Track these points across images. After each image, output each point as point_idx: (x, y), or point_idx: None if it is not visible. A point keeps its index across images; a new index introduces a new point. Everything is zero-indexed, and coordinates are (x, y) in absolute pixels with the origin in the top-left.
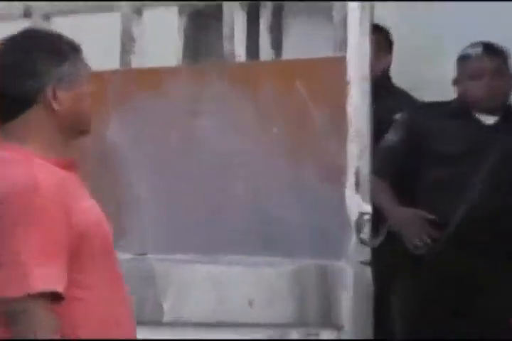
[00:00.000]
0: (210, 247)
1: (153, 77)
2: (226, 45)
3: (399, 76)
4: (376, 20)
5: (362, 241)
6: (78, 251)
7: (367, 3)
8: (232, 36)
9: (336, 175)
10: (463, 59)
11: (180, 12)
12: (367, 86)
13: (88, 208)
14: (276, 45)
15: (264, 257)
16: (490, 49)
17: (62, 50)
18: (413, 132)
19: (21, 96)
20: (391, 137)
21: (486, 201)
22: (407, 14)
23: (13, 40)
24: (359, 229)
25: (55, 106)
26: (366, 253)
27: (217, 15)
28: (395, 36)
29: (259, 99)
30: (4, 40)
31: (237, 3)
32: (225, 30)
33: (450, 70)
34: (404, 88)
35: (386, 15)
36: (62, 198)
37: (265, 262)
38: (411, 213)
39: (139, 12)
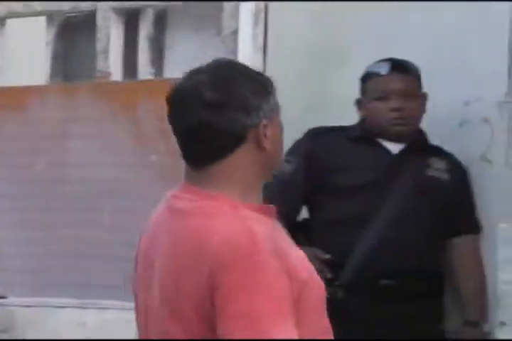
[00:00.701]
0: (80, 291)
1: (17, 97)
2: (100, 61)
3: (299, 92)
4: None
5: None
6: (297, 306)
7: (261, 16)
8: (107, 51)
9: None
10: (368, 78)
11: (49, 23)
12: None
13: (298, 258)
14: (157, 61)
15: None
16: (399, 67)
17: (265, 83)
18: (312, 158)
19: (234, 133)
20: (287, 165)
21: (391, 239)
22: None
23: (214, 73)
24: None
25: (266, 143)
26: None
27: (90, 26)
28: (302, 45)
29: (137, 123)
30: (199, 72)
31: (113, 11)
32: (99, 44)
33: (353, 89)
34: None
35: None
36: (279, 250)
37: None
38: (306, 252)
39: (1, 22)
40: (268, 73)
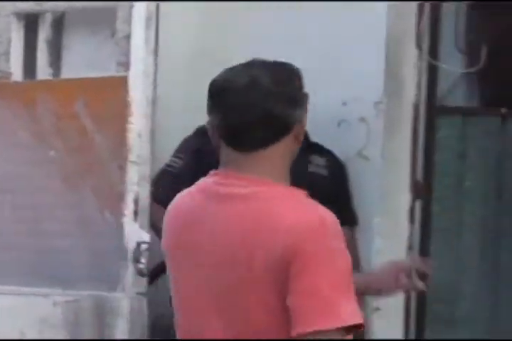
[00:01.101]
0: None
1: None
2: (1, 62)
3: (189, 92)
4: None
5: (139, 272)
6: None
7: (153, 21)
8: (8, 53)
9: (115, 202)
10: None
11: None
12: (150, 109)
13: None
14: (55, 62)
15: (39, 288)
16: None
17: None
18: (200, 155)
19: (287, 124)
20: (176, 161)
21: None
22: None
23: (273, 69)
24: (136, 260)
25: (301, 137)
26: (143, 284)
27: None
28: (191, 46)
29: (36, 121)
30: (252, 67)
31: (12, 14)
32: (1, 47)
33: None
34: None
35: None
36: (340, 230)
37: (39, 293)
38: None
39: None
40: (159, 74)
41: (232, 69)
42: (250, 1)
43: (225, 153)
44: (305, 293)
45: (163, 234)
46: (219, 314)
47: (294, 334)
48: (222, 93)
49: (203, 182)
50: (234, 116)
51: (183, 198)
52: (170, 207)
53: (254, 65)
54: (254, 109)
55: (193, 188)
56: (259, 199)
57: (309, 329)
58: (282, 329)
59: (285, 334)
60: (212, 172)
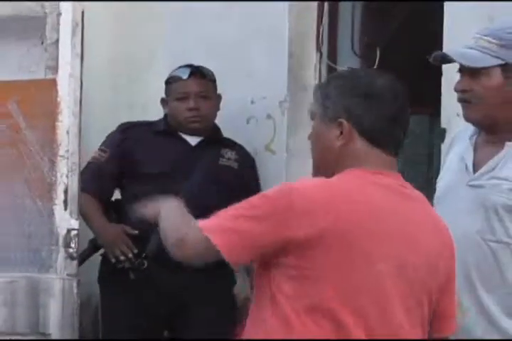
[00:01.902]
0: None
1: None
2: None
3: (112, 92)
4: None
5: (69, 256)
6: None
7: (79, 27)
8: None
9: (46, 192)
10: (171, 81)
11: None
12: (77, 108)
13: None
14: None
15: None
16: (197, 72)
17: None
18: (123, 149)
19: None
20: (101, 154)
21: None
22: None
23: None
24: (67, 244)
25: None
26: (73, 267)
27: None
28: (115, 52)
29: None
30: (381, 75)
31: None
32: None
33: (160, 90)
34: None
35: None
36: None
37: None
38: (116, 229)
39: None
40: (85, 78)
41: (374, 74)
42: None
43: (369, 153)
44: (454, 302)
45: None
46: (405, 311)
47: (442, 335)
48: (391, 96)
49: (380, 179)
50: (401, 121)
51: (368, 190)
52: (351, 197)
53: (376, 74)
54: (408, 113)
55: (372, 183)
56: (422, 202)
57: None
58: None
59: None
60: (375, 170)
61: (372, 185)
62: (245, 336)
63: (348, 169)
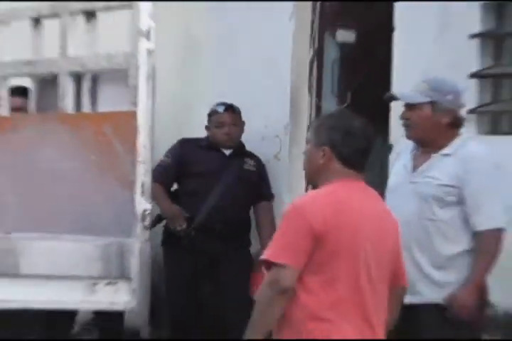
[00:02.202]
0: (49, 227)
1: None
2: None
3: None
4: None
5: (144, 227)
6: None
7: (151, 77)
8: None
9: (130, 186)
10: (211, 114)
11: None
12: (151, 131)
13: None
14: (93, 103)
15: (89, 236)
16: (229, 108)
17: None
18: (180, 156)
19: None
20: (167, 159)
21: (224, 203)
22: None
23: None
24: (143, 219)
25: None
26: (147, 234)
27: None
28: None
29: (83, 139)
30: (352, 116)
31: None
32: None
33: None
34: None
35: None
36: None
37: (88, 239)
38: (174, 209)
39: None
40: (156, 110)
41: (344, 114)
42: None
43: (342, 171)
44: (403, 264)
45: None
46: (378, 273)
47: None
48: (355, 133)
49: (357, 185)
50: (367, 149)
51: (354, 197)
52: (340, 205)
53: (350, 115)
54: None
55: (354, 188)
56: (377, 197)
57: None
58: None
59: None
60: (347, 179)
61: (353, 189)
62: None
63: (336, 179)
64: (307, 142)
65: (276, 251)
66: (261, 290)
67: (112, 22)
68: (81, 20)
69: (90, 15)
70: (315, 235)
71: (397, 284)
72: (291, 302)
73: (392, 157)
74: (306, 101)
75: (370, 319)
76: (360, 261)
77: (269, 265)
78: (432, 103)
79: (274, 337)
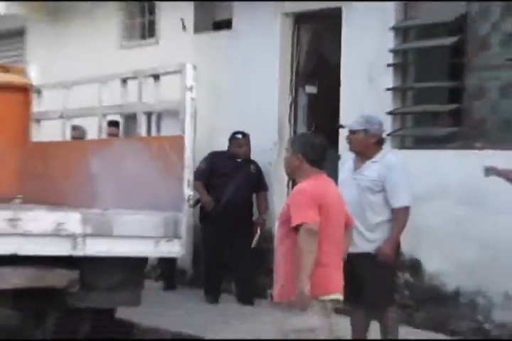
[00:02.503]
0: (131, 206)
1: None
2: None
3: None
4: None
5: (189, 206)
6: None
7: (194, 115)
8: None
9: (181, 181)
10: (232, 138)
11: None
12: (193, 147)
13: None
14: (158, 130)
15: (156, 212)
16: (245, 135)
17: None
18: (210, 164)
19: None
20: (202, 165)
21: (237, 193)
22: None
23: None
24: (188, 201)
25: None
26: (191, 212)
27: None
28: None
29: (152, 152)
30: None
31: None
32: None
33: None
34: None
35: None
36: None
37: (156, 214)
38: (207, 197)
39: None
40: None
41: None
42: None
43: (310, 169)
44: (351, 219)
45: (323, 199)
46: (341, 224)
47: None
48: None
49: (326, 176)
50: (325, 159)
51: (327, 184)
52: (323, 188)
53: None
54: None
55: (324, 179)
56: (335, 185)
57: None
58: None
59: None
60: (316, 174)
61: (323, 180)
62: (281, 267)
63: (310, 175)
64: (287, 151)
65: (301, 216)
66: (302, 241)
67: (170, 81)
68: (151, 80)
69: (156, 77)
70: (316, 205)
71: (348, 226)
72: None
73: (340, 162)
74: (287, 128)
75: (342, 255)
76: (337, 221)
77: (297, 229)
78: (365, 130)
79: (283, 290)
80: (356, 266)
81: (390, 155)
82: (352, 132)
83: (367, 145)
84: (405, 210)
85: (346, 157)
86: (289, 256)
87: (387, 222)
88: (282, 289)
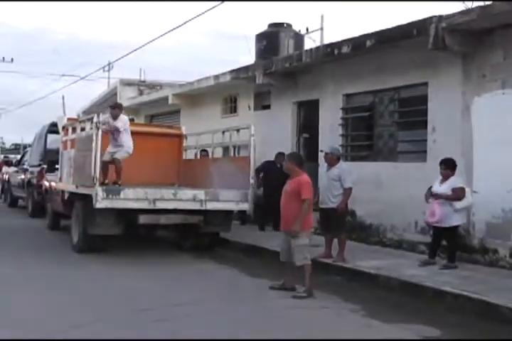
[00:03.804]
0: (228, 187)
1: None
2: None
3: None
4: None
5: (252, 187)
6: None
7: (254, 147)
8: None
9: (249, 179)
10: (277, 156)
11: None
12: (254, 161)
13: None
14: (236, 153)
15: (237, 190)
16: (283, 154)
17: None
18: (263, 167)
19: None
20: (261, 165)
21: (276, 180)
22: None
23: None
24: (252, 185)
25: None
26: (254, 189)
27: None
28: None
29: (236, 166)
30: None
31: None
32: None
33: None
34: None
35: None
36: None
37: (237, 191)
38: (261, 181)
39: None
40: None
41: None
42: None
43: (298, 169)
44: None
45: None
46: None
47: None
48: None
49: (305, 173)
50: (303, 163)
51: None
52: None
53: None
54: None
55: (305, 174)
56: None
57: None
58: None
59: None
60: (302, 172)
61: (305, 175)
62: (289, 211)
63: (300, 172)
64: (286, 161)
65: (308, 194)
66: (306, 206)
67: (244, 132)
68: (235, 132)
69: (238, 130)
70: (311, 189)
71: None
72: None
73: (319, 167)
74: (290, 148)
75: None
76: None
77: (303, 199)
78: (331, 153)
79: (288, 223)
80: (328, 213)
81: (343, 164)
82: (326, 154)
83: (332, 160)
84: (349, 189)
85: (322, 165)
86: (293, 207)
87: (341, 195)
88: (287, 223)
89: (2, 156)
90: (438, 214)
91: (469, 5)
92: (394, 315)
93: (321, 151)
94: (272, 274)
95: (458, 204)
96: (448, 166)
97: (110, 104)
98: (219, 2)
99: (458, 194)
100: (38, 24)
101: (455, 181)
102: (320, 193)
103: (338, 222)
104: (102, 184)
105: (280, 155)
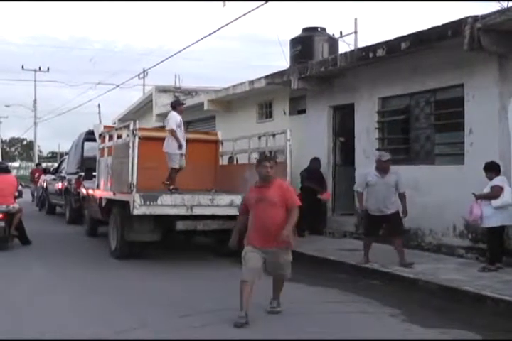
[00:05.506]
0: (229, 191)
1: None
2: None
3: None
4: None
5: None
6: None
7: (291, 151)
8: None
9: (286, 177)
10: (312, 161)
11: None
12: (290, 166)
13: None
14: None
15: (240, 194)
16: (316, 158)
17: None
18: (307, 170)
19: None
20: (304, 170)
21: (314, 181)
22: None
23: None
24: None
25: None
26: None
27: None
28: None
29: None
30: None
31: None
32: None
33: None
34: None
35: None
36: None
37: (237, 196)
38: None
39: None
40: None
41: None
42: None
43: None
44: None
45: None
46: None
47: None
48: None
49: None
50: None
51: None
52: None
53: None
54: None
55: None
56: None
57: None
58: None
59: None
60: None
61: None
62: (276, 222)
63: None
64: (271, 167)
65: (297, 201)
66: (296, 213)
67: (280, 137)
68: (271, 137)
69: (274, 135)
70: None
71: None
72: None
73: (356, 172)
74: (331, 157)
75: None
76: None
77: (297, 206)
78: (390, 158)
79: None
80: (382, 219)
81: (395, 169)
82: (387, 160)
83: (389, 166)
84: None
85: (368, 173)
86: (280, 217)
87: (396, 200)
88: (273, 237)
89: (33, 164)
90: (474, 213)
91: (505, 5)
92: (434, 319)
93: (380, 157)
94: (309, 279)
95: (494, 203)
96: (487, 169)
97: (174, 102)
98: (262, 2)
99: (494, 191)
100: (75, 33)
101: (494, 180)
102: (374, 201)
103: (399, 228)
104: (168, 190)
105: (316, 159)
